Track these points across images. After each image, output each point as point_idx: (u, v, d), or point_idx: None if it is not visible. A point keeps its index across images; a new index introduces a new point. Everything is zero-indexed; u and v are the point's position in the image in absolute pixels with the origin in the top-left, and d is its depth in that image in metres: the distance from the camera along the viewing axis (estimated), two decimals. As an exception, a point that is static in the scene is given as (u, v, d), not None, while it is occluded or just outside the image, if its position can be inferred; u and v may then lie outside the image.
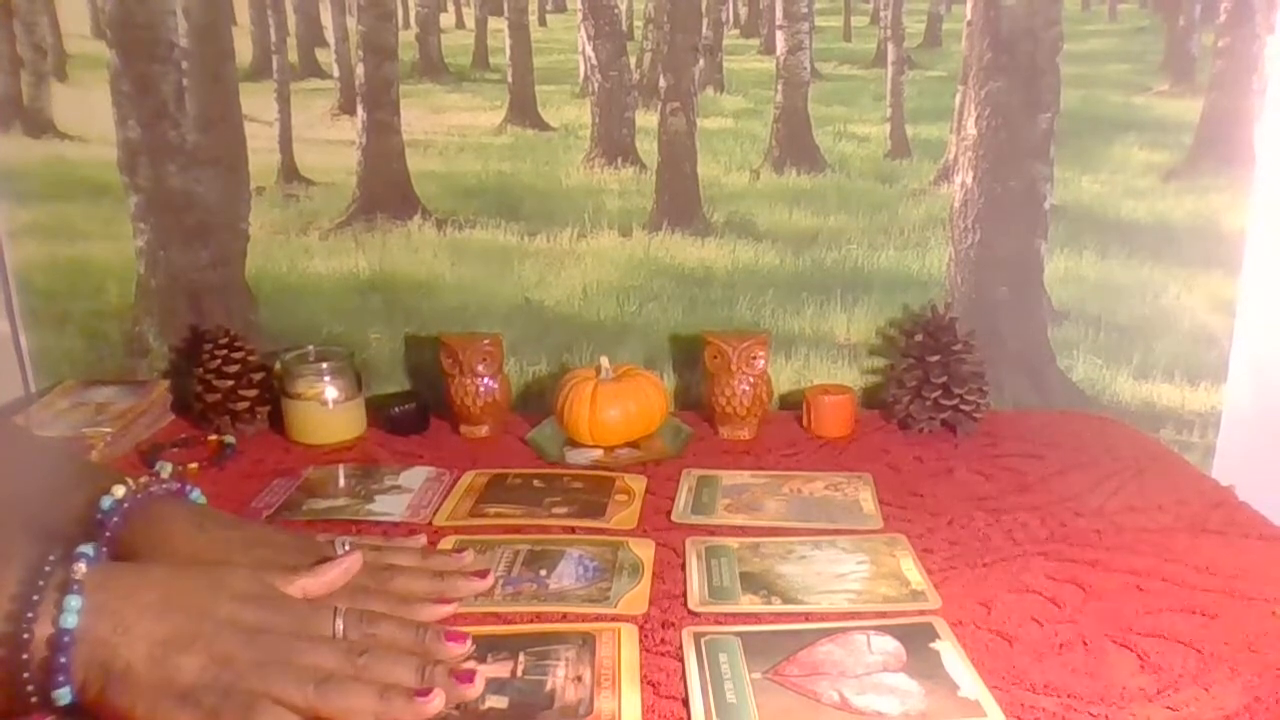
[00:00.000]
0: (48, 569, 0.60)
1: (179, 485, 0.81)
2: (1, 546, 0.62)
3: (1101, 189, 1.26)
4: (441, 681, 0.63)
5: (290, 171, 1.28)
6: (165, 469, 0.84)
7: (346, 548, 0.77)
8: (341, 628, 0.65)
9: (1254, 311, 1.27)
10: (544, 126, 1.27)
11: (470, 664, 0.68)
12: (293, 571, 0.70)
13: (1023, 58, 1.22)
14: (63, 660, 0.57)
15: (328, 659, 0.62)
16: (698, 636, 0.75)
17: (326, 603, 0.68)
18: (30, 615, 0.58)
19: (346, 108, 1.26)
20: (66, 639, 0.58)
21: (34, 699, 0.58)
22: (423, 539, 0.89)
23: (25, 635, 0.57)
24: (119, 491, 0.74)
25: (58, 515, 0.75)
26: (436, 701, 0.62)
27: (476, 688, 0.65)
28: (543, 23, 1.25)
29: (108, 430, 1.12)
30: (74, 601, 0.58)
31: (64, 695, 0.58)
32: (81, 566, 0.60)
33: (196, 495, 0.81)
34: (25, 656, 0.57)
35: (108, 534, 0.72)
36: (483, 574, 0.80)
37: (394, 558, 0.80)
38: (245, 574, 0.67)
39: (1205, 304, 1.28)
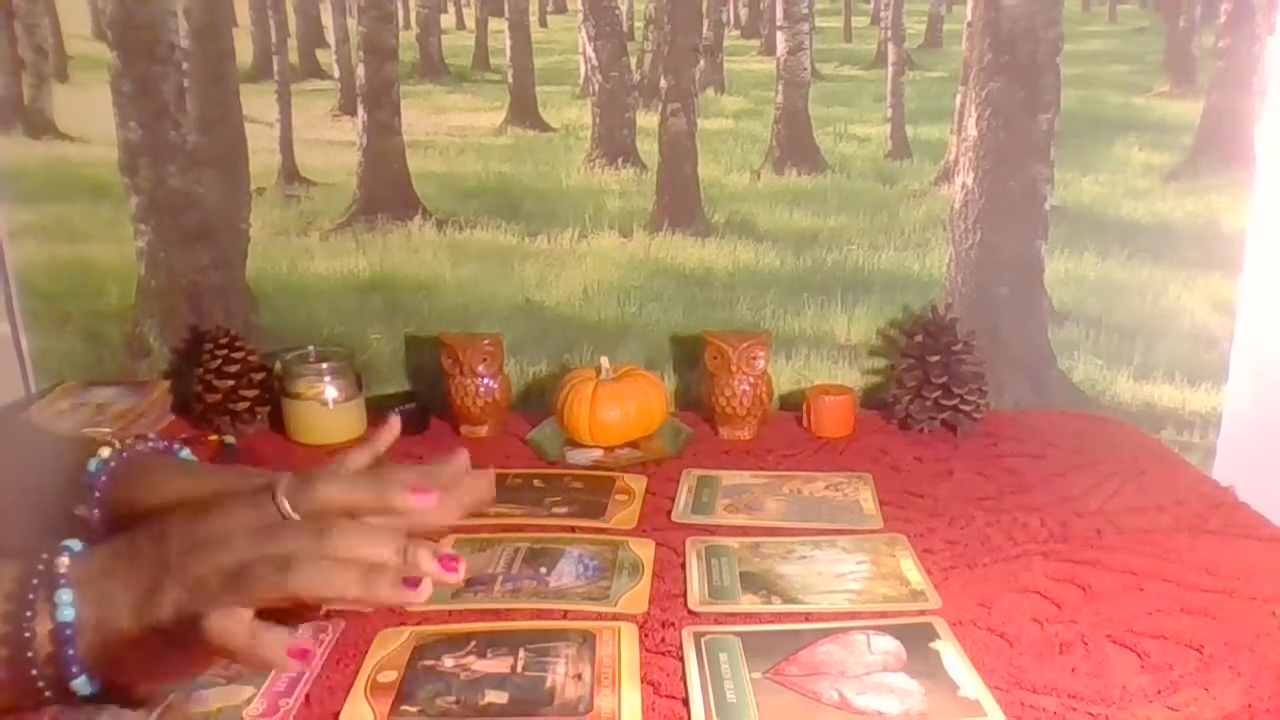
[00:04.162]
0: (41, 566, 0.60)
1: (166, 443, 0.80)
2: None
3: (1102, 190, 1.26)
4: (425, 563, 0.59)
5: (291, 172, 1.28)
6: (184, 452, 0.82)
7: None
8: (288, 506, 0.62)
9: (1254, 312, 1.27)
10: (545, 127, 1.28)
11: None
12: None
13: (1023, 58, 1.22)
14: (70, 652, 0.58)
15: (291, 541, 0.59)
16: (698, 636, 0.75)
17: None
18: (29, 614, 0.58)
19: (347, 108, 1.27)
20: (69, 631, 0.58)
21: (47, 694, 0.59)
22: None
23: (27, 634, 0.58)
24: (105, 452, 0.74)
25: (49, 486, 0.75)
26: (424, 592, 0.58)
27: (460, 574, 0.60)
28: (543, 23, 1.25)
29: (108, 430, 1.12)
30: (65, 595, 0.58)
31: (83, 685, 0.58)
32: (65, 560, 0.60)
33: (185, 454, 0.80)
34: (30, 654, 0.58)
35: (97, 495, 0.72)
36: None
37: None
38: (183, 513, 0.64)
39: (1206, 305, 1.28)
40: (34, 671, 0.58)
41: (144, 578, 0.60)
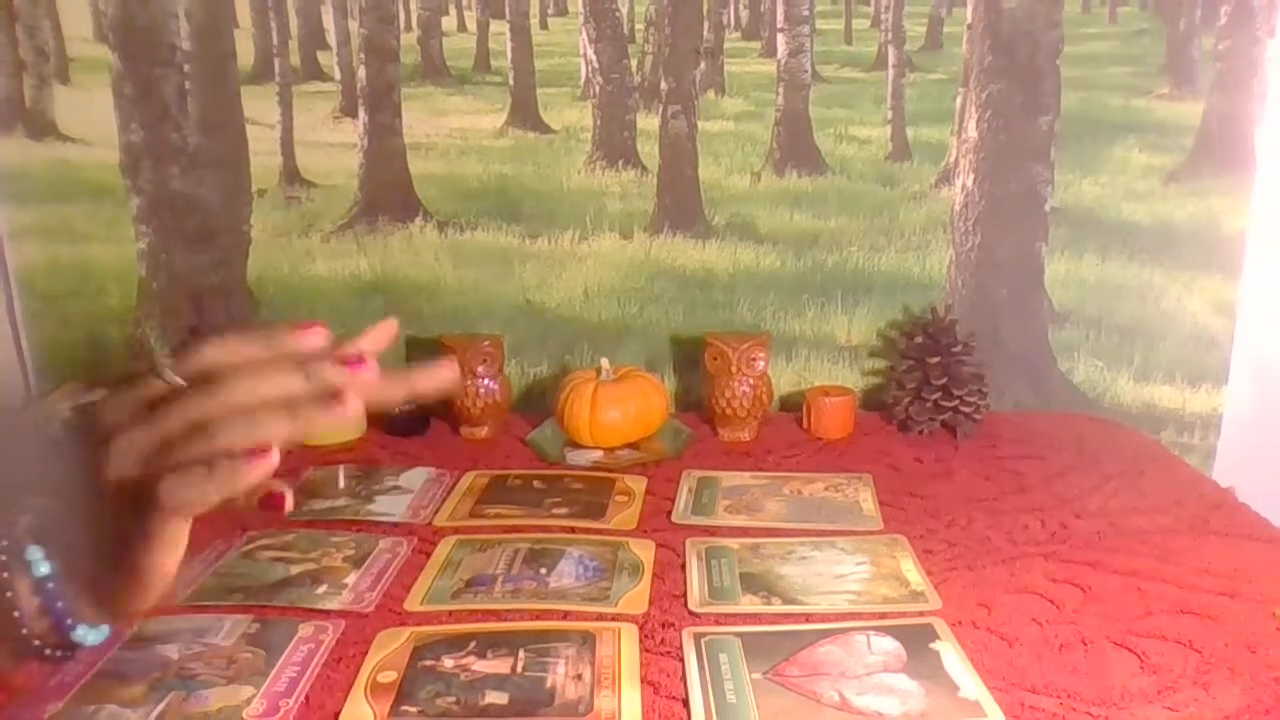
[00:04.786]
0: (9, 528, 0.60)
1: None
2: None
3: (1102, 191, 1.26)
4: (334, 374, 0.56)
5: (292, 174, 1.28)
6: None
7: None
8: (172, 375, 0.57)
9: (1255, 314, 1.27)
10: (545, 129, 1.28)
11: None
12: None
13: (1023, 60, 1.22)
14: (59, 605, 0.57)
15: (191, 410, 0.55)
16: (698, 637, 0.75)
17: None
18: (5, 575, 0.58)
19: (348, 110, 1.27)
20: (51, 585, 0.57)
21: (47, 650, 0.58)
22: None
23: (9, 593, 0.57)
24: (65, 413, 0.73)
25: (17, 455, 0.74)
26: (352, 401, 0.55)
27: (371, 367, 0.58)
28: (544, 26, 1.26)
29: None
30: (35, 552, 0.58)
31: (84, 633, 0.58)
32: (25, 519, 0.59)
33: None
34: (16, 614, 0.57)
35: (65, 453, 0.71)
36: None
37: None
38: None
39: (1206, 306, 1.28)
40: (24, 630, 0.58)
41: (84, 507, 0.58)
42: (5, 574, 0.58)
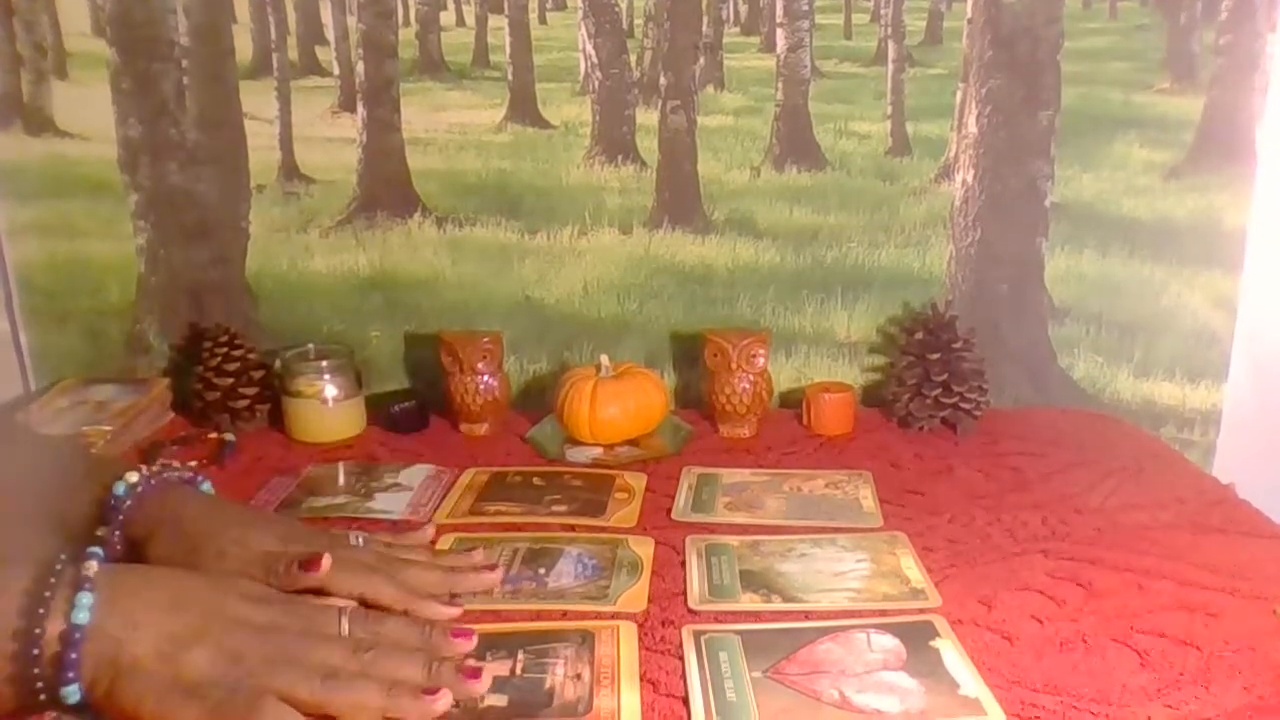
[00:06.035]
0: (59, 567, 0.60)
1: (190, 474, 0.82)
2: (15, 544, 0.63)
3: (1102, 187, 1.26)
4: (448, 679, 0.64)
5: (290, 169, 1.28)
6: (205, 485, 0.86)
7: (360, 541, 0.78)
8: (348, 627, 0.66)
9: (1255, 309, 1.27)
10: (544, 124, 1.27)
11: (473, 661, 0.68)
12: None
13: (1023, 55, 1.22)
14: (73, 656, 0.58)
15: (335, 655, 0.63)
16: (697, 635, 0.75)
17: (333, 604, 0.69)
18: (42, 611, 0.58)
19: (347, 105, 1.26)
20: (78, 634, 0.58)
21: (43, 696, 0.59)
22: (430, 530, 0.90)
23: (37, 630, 0.58)
24: (132, 478, 0.76)
25: (71, 506, 0.76)
26: (443, 701, 0.62)
27: (483, 684, 0.65)
28: (543, 20, 1.25)
29: (108, 428, 1.12)
30: (86, 598, 0.59)
31: (72, 693, 0.58)
32: (93, 565, 0.61)
33: (206, 487, 0.83)
34: (36, 652, 0.58)
35: (120, 518, 0.74)
36: (491, 567, 0.82)
37: (404, 553, 0.81)
38: (250, 580, 0.69)
39: (1206, 302, 1.27)
40: (36, 670, 0.58)
41: (182, 620, 0.61)
42: (42, 610, 0.58)
